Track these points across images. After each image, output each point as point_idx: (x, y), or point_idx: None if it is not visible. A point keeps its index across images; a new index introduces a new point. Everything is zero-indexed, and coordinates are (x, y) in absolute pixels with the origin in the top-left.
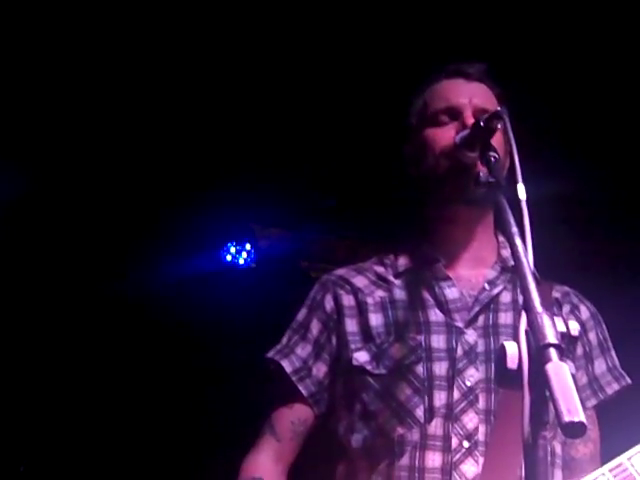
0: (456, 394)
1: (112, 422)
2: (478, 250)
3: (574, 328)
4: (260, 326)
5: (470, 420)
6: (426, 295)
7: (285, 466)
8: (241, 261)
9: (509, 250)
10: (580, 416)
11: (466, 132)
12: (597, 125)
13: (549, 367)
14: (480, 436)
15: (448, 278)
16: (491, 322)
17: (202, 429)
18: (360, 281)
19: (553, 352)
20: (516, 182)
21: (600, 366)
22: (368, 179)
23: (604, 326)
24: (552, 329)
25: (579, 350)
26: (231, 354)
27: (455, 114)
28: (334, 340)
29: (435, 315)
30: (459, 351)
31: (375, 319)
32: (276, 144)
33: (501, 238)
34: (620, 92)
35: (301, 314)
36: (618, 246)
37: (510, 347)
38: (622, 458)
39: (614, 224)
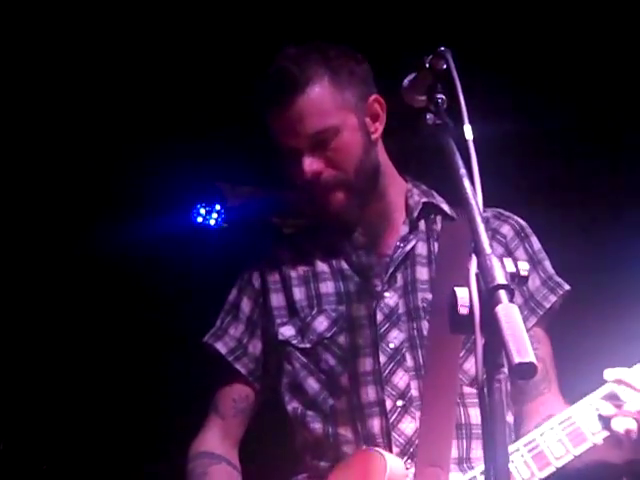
0: (382, 358)
1: (74, 384)
2: (390, 210)
3: (524, 268)
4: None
5: (400, 379)
6: (345, 265)
7: (233, 442)
8: (212, 222)
9: (415, 198)
10: (530, 357)
11: (413, 75)
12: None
13: (499, 309)
14: (413, 392)
15: (364, 246)
16: (410, 279)
17: (167, 392)
18: (284, 255)
19: (503, 294)
20: (463, 123)
21: (534, 281)
22: None
23: (534, 238)
24: (501, 270)
25: None
26: (206, 316)
27: (296, 154)
28: (264, 315)
29: (355, 284)
30: (379, 316)
31: (299, 293)
32: (240, 101)
33: (409, 186)
34: (564, 26)
35: (232, 295)
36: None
37: (461, 292)
38: (535, 434)
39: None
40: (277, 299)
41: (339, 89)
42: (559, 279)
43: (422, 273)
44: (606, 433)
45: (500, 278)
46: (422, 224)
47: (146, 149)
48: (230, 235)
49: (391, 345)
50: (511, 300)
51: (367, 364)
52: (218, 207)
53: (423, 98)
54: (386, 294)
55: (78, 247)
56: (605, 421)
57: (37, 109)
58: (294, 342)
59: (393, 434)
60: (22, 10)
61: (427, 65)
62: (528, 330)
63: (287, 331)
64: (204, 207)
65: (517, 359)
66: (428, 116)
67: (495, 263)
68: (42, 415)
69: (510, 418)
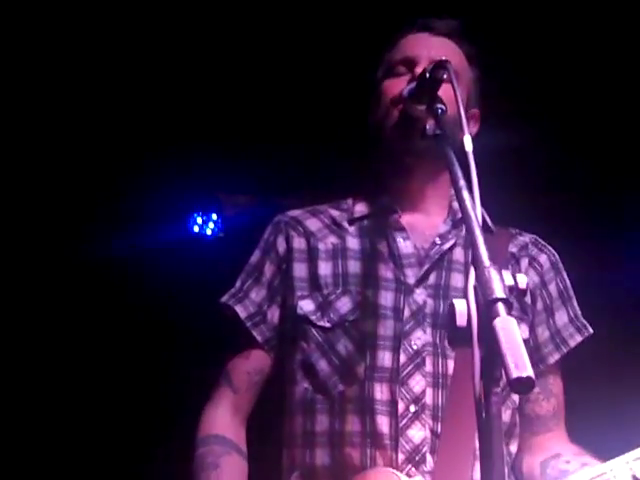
0: (402, 357)
1: (72, 390)
2: (431, 203)
3: (522, 281)
4: None
5: (417, 383)
6: (379, 246)
7: (243, 417)
8: (208, 231)
9: None
10: (528, 371)
11: (413, 84)
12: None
13: (497, 322)
14: (428, 399)
15: (403, 229)
16: (443, 282)
17: (163, 400)
18: (314, 224)
19: (501, 307)
20: (463, 134)
21: (561, 318)
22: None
23: (565, 274)
24: (500, 283)
25: (539, 305)
26: (202, 326)
27: (411, 65)
28: (285, 283)
29: (386, 269)
30: (406, 312)
31: (324, 267)
32: (237, 110)
33: (452, 191)
34: (574, 45)
35: (254, 257)
36: (581, 195)
37: (459, 304)
38: (605, 467)
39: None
40: (300, 269)
41: (470, 77)
42: (584, 320)
43: (457, 280)
44: None
45: (498, 291)
46: (463, 230)
47: (143, 158)
48: (227, 245)
49: (414, 346)
50: (509, 313)
51: (386, 359)
52: (215, 216)
53: (423, 108)
54: (416, 290)
55: (76, 256)
56: None
57: (34, 116)
58: (312, 318)
59: (401, 439)
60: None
61: (427, 75)
62: (550, 366)
63: (306, 305)
64: (201, 216)
65: (515, 373)
66: (428, 126)
67: (494, 276)
68: (41, 416)
69: (514, 448)
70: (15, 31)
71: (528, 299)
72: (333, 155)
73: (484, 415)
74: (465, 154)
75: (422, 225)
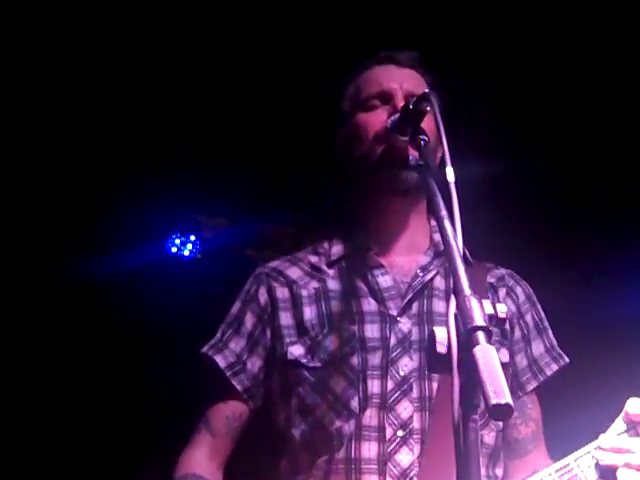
0: (390, 384)
1: (50, 413)
2: (411, 237)
3: (502, 310)
4: (209, 317)
5: (404, 409)
6: (359, 284)
7: (221, 462)
8: (186, 252)
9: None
10: (506, 398)
11: (396, 116)
12: (530, 105)
13: (476, 350)
14: (415, 424)
15: (381, 266)
16: (425, 309)
17: (144, 423)
18: (294, 272)
19: (481, 335)
20: (445, 165)
21: (538, 347)
22: (310, 165)
23: (539, 306)
24: (480, 312)
25: (517, 334)
26: (179, 346)
27: (386, 98)
28: (268, 334)
29: (368, 304)
30: (392, 340)
31: (309, 312)
32: (216, 133)
33: (433, 222)
34: (553, 69)
35: (235, 307)
36: (552, 228)
37: (440, 332)
38: (569, 459)
39: (548, 207)
40: (286, 318)
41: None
42: (560, 350)
43: (439, 306)
44: None
45: (479, 319)
46: (444, 260)
47: (121, 179)
48: (204, 266)
49: (401, 372)
50: (489, 341)
51: (374, 386)
52: (193, 238)
53: (405, 139)
54: (400, 319)
55: (54, 278)
56: (602, 470)
57: (11, 135)
58: (303, 361)
59: (389, 464)
60: None
61: (411, 107)
62: (527, 393)
63: (296, 350)
64: (179, 237)
65: (494, 400)
66: (411, 157)
67: (474, 304)
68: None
69: (499, 471)
70: None
71: (507, 326)
72: (312, 178)
73: (462, 442)
74: (446, 185)
75: (401, 260)
